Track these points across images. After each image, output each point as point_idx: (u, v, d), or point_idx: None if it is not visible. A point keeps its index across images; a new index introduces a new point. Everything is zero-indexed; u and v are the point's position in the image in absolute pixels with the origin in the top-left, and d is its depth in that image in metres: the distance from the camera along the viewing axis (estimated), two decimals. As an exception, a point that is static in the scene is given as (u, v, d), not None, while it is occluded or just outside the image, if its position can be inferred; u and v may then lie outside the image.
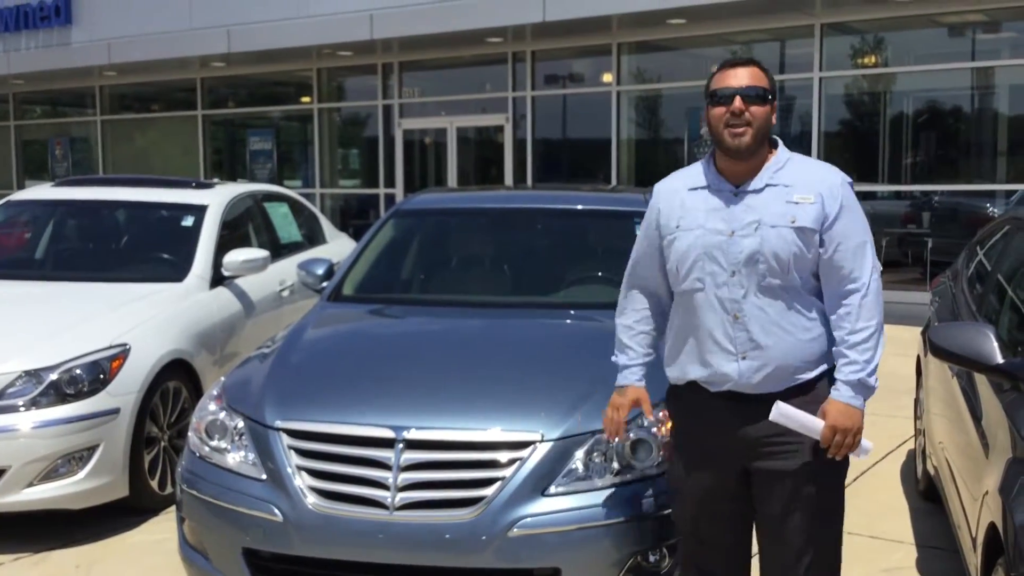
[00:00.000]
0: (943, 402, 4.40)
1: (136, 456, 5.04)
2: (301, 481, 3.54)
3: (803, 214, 2.92)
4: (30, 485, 4.71)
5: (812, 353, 2.98)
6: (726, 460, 3.05)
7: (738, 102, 2.91)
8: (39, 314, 5.41)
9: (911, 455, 5.85)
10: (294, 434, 3.65)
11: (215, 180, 8.25)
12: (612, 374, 3.87)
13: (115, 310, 5.43)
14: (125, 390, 5.00)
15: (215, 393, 4.04)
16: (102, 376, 4.94)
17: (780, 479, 2.99)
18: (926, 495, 5.16)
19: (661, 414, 3.65)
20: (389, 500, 3.43)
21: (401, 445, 3.50)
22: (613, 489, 3.51)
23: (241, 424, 3.78)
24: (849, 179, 3.03)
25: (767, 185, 2.97)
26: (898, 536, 4.80)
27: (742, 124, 2.92)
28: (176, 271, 6.07)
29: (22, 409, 4.71)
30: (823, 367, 3.00)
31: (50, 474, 4.76)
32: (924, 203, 11.97)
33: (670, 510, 3.50)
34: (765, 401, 2.95)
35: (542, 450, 3.50)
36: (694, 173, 3.10)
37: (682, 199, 3.08)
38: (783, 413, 2.91)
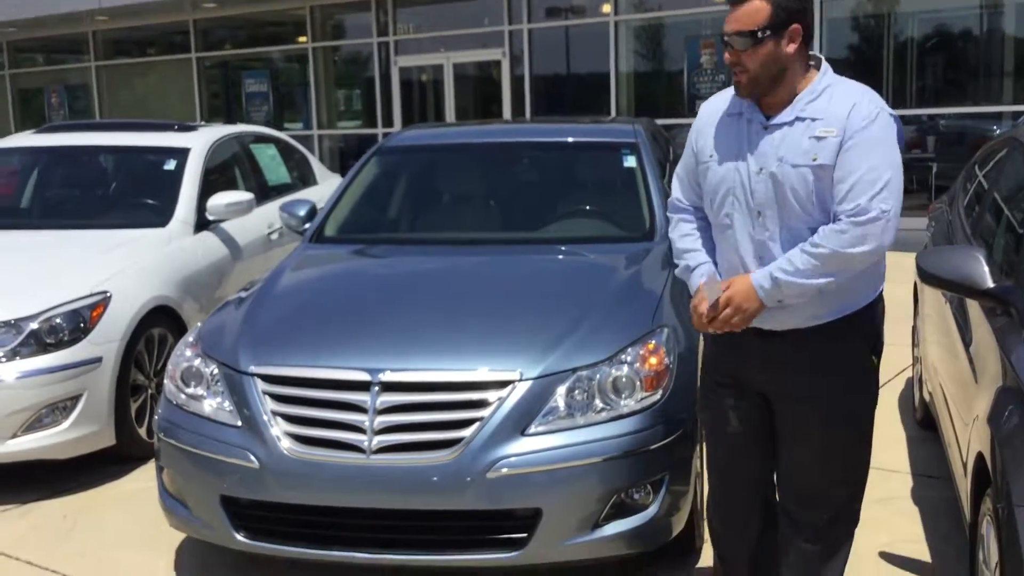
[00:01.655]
0: (937, 328, 4.29)
1: (122, 404, 4.98)
2: (277, 427, 3.47)
3: (824, 150, 2.72)
4: (14, 436, 4.66)
5: (838, 293, 2.81)
6: (751, 392, 2.97)
7: (727, 53, 2.79)
8: (18, 264, 5.33)
9: (909, 384, 5.76)
10: (269, 379, 3.57)
11: (200, 123, 8.10)
12: (598, 309, 3.82)
13: (96, 257, 5.35)
14: (107, 338, 4.93)
15: (191, 340, 3.96)
16: (83, 324, 4.86)
17: (805, 416, 2.90)
18: (923, 423, 5.08)
19: (642, 350, 3.56)
20: (366, 444, 3.36)
21: (377, 388, 3.42)
22: (595, 427, 3.42)
23: (216, 370, 3.70)
24: (890, 110, 2.78)
25: (796, 119, 2.77)
26: (894, 465, 4.72)
27: (739, 70, 2.79)
28: (159, 216, 5.97)
29: (3, 360, 4.65)
30: (853, 307, 2.85)
31: (34, 424, 4.71)
32: (929, 127, 11.74)
33: (655, 445, 3.45)
34: (792, 338, 2.84)
35: (521, 389, 3.41)
36: (734, 97, 2.90)
37: (719, 125, 2.91)
38: (709, 281, 2.86)
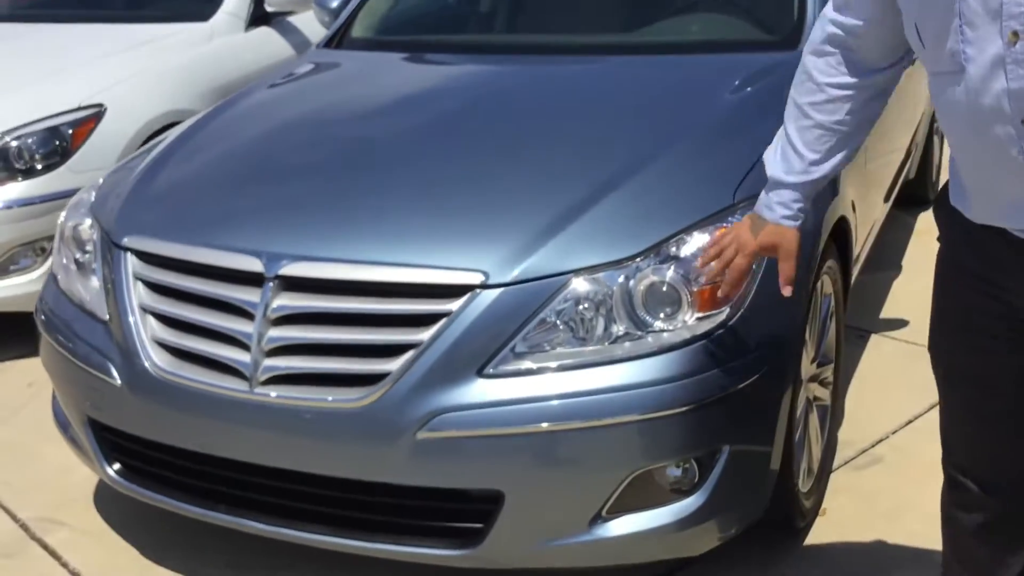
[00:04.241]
0: None
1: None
2: (145, 330, 2.37)
3: None
4: (-20, 280, 3.83)
5: None
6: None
7: None
8: (10, 67, 4.37)
9: None
10: (143, 257, 2.45)
11: None
12: (646, 167, 2.43)
13: (102, 59, 4.30)
14: (93, 166, 3.92)
15: (94, 186, 2.88)
16: (61, 146, 3.89)
17: None
18: None
19: (705, 241, 2.18)
20: (249, 369, 2.21)
21: (271, 284, 2.22)
22: (606, 367, 2.11)
23: (98, 239, 2.61)
24: None
25: None
26: None
27: None
28: (202, 6, 4.83)
29: (-35, 187, 3.77)
30: None
31: (6, 268, 3.85)
32: None
33: (710, 399, 2.13)
34: None
35: (484, 301, 2.12)
36: None
37: None
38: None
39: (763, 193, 1.89)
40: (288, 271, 2.22)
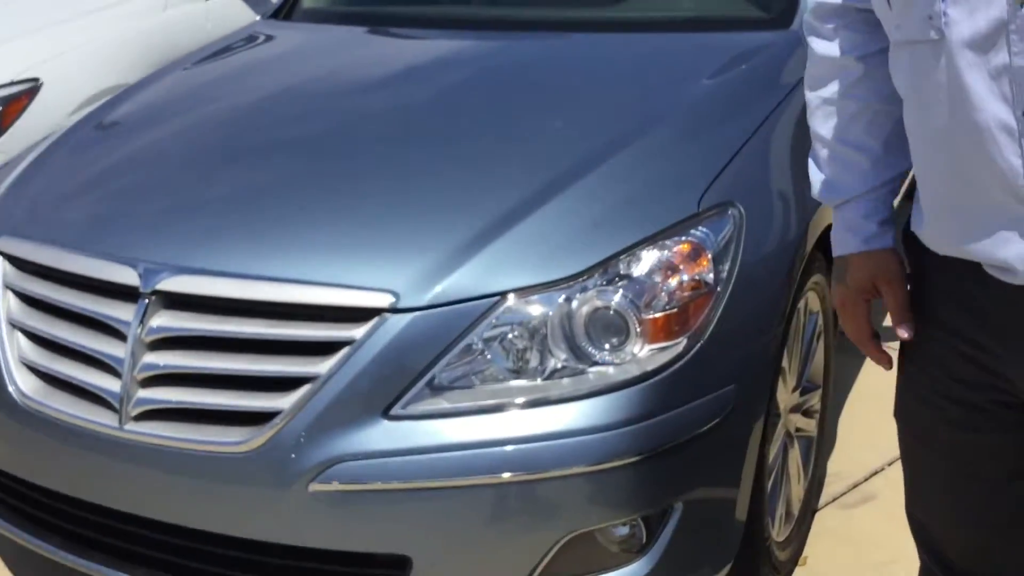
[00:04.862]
0: None
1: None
2: (14, 349, 2.04)
3: None
4: None
5: None
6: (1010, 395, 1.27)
7: None
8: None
9: None
10: (17, 264, 2.11)
11: None
12: (599, 168, 2.07)
13: (38, 31, 3.96)
14: (26, 145, 3.59)
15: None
16: (-13, 126, 3.57)
17: None
18: None
19: (664, 256, 1.84)
20: (120, 401, 1.87)
21: (148, 301, 1.88)
22: (536, 409, 1.77)
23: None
24: None
25: None
26: None
27: None
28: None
29: None
30: None
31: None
32: None
33: (662, 447, 1.80)
34: None
35: (393, 328, 1.78)
36: None
37: None
38: None
39: (833, 231, 1.46)
40: (167, 285, 1.88)
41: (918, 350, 1.37)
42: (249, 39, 3.03)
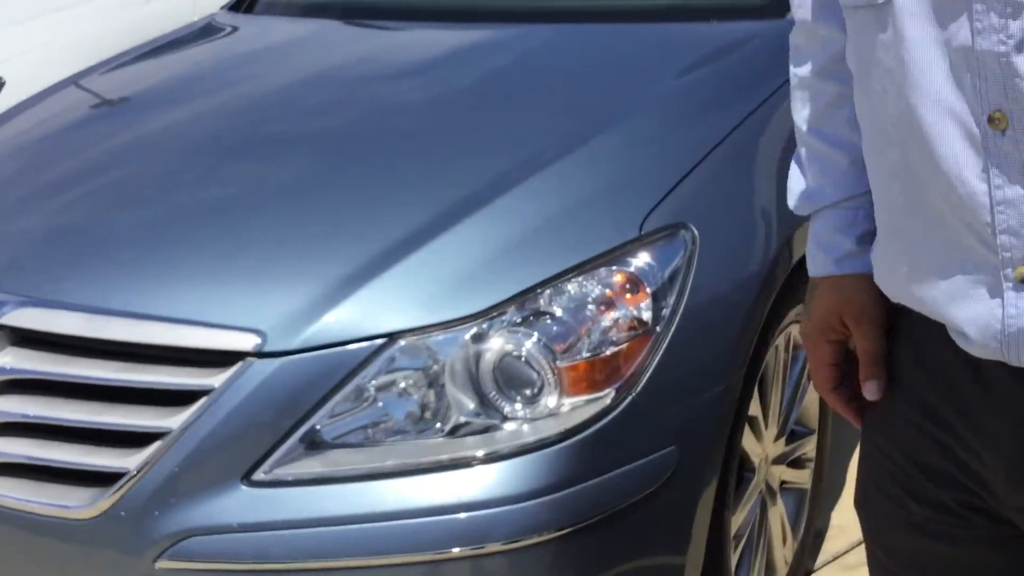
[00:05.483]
0: None
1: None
2: None
3: None
4: None
5: None
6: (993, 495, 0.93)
7: None
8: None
9: None
10: None
11: None
12: (526, 180, 1.76)
13: (6, 26, 3.76)
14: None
15: None
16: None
17: None
18: None
19: (595, 288, 1.53)
20: (-42, 454, 1.61)
21: (-7, 337, 1.62)
22: (427, 475, 1.47)
23: None
24: None
25: None
26: None
27: None
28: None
29: None
30: None
31: None
32: None
33: (582, 524, 1.50)
34: None
35: (257, 375, 1.48)
36: None
37: None
38: None
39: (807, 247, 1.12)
40: (12, 320, 1.61)
41: (880, 420, 1.04)
42: (187, 38, 2.76)
